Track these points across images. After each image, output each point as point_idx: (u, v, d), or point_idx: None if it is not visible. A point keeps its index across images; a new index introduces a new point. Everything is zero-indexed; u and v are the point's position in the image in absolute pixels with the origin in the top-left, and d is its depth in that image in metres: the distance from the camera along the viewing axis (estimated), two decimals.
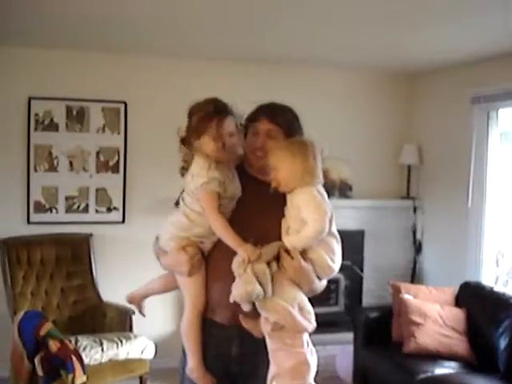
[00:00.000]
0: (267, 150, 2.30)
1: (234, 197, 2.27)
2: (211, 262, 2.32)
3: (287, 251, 2.20)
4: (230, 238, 2.19)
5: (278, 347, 2.20)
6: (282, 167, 2.22)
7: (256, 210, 2.28)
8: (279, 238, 2.25)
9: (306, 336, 2.22)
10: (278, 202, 2.29)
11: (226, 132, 2.21)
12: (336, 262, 2.29)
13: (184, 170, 2.31)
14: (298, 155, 2.24)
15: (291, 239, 2.21)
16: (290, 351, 2.18)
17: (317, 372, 2.24)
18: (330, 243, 2.27)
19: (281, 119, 2.35)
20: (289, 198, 2.26)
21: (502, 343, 4.11)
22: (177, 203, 2.39)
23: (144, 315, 2.69)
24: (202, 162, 2.23)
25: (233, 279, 2.18)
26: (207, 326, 2.31)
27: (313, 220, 2.18)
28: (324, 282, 2.34)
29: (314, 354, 2.27)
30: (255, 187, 2.35)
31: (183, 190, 2.33)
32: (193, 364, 2.30)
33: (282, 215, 2.28)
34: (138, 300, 2.63)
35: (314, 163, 2.25)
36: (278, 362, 2.20)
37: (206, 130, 2.20)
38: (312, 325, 2.21)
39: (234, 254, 2.20)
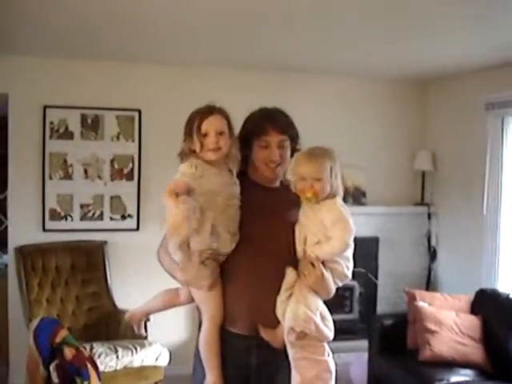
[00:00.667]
0: (281, 162, 2.33)
1: (211, 192, 2.20)
2: (227, 272, 2.30)
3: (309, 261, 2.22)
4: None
5: (301, 356, 2.21)
6: (325, 178, 2.21)
7: (262, 214, 2.29)
8: (286, 243, 2.27)
9: (326, 345, 2.24)
10: (284, 206, 2.31)
11: (210, 130, 2.23)
12: (350, 269, 2.32)
13: None
14: (337, 164, 2.25)
15: (316, 250, 2.21)
16: (312, 360, 2.20)
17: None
18: (347, 251, 2.29)
19: (287, 127, 2.38)
20: (311, 208, 2.25)
21: None
22: None
23: (143, 335, 2.68)
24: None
25: (251, 290, 2.23)
26: (226, 337, 2.30)
27: (339, 238, 2.19)
28: (338, 285, 2.35)
29: (333, 363, 2.28)
30: (260, 193, 2.37)
31: None
32: (212, 378, 2.27)
33: (290, 220, 2.29)
34: (137, 319, 2.61)
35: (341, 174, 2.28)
36: (302, 371, 2.21)
37: (190, 134, 2.25)
38: (332, 333, 2.24)
39: (250, 265, 2.24)
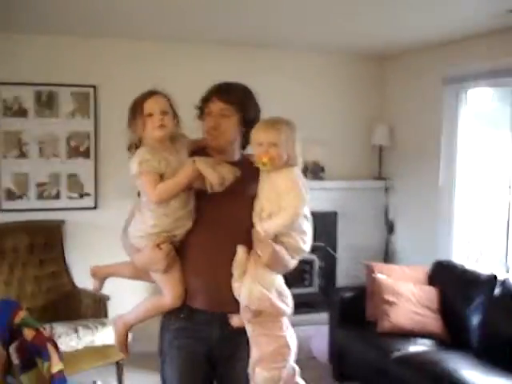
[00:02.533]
0: (221, 130, 2.33)
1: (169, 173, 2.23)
2: (184, 250, 2.32)
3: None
4: (180, 181, 2.20)
5: (258, 333, 2.23)
6: (281, 144, 2.21)
7: (229, 188, 2.26)
8: (245, 218, 2.27)
9: (285, 319, 2.26)
10: (243, 180, 2.29)
11: (154, 109, 2.24)
12: (307, 242, 2.33)
13: None
14: (295, 134, 2.26)
15: (264, 226, 2.21)
16: (270, 336, 2.22)
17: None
18: (301, 224, 2.29)
19: (232, 98, 2.36)
20: (268, 177, 2.26)
21: (475, 320, 4.18)
22: (139, 194, 2.39)
23: (100, 293, 2.65)
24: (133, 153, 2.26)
25: (208, 266, 2.25)
26: (187, 312, 2.32)
27: (291, 207, 2.19)
28: (296, 259, 2.36)
29: (294, 337, 2.30)
30: None
31: None
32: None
33: (249, 193, 2.29)
34: (101, 275, 2.55)
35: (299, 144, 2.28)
36: (260, 347, 2.23)
37: (134, 117, 2.28)
38: (290, 308, 2.26)
39: (207, 241, 2.26)
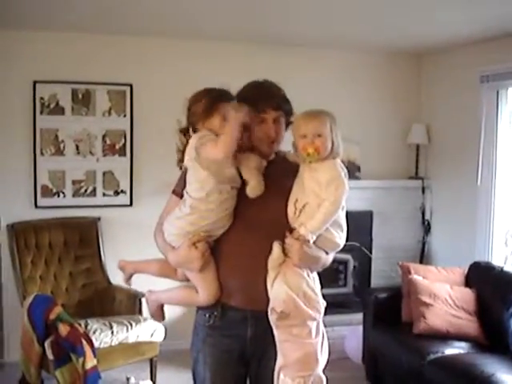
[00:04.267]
0: (277, 138, 2.32)
1: (217, 163, 2.20)
2: (222, 248, 2.31)
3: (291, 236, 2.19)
4: (231, 131, 2.14)
5: (285, 338, 2.17)
6: (326, 134, 2.18)
7: (266, 186, 2.25)
8: (282, 215, 2.23)
9: (314, 325, 2.19)
10: (280, 178, 2.28)
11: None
12: (342, 238, 2.28)
13: (181, 162, 2.30)
14: (336, 125, 2.23)
15: (307, 226, 2.15)
16: (296, 342, 2.16)
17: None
18: (338, 217, 2.24)
19: (282, 102, 2.35)
20: (309, 168, 2.21)
21: None
22: (174, 191, 2.39)
23: (130, 285, 2.65)
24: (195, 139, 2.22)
25: (246, 264, 2.22)
26: (221, 310, 2.31)
27: (333, 196, 2.14)
28: (332, 255, 2.33)
29: (326, 344, 2.24)
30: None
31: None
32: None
33: (286, 191, 2.26)
34: (128, 270, 2.55)
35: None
36: (285, 353, 2.17)
37: (217, 110, 2.21)
38: (319, 313, 2.19)
39: (244, 238, 2.24)
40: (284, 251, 2.17)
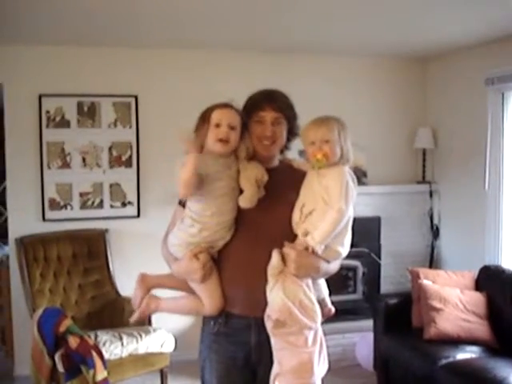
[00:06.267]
0: (275, 139, 2.32)
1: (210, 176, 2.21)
2: (225, 257, 2.33)
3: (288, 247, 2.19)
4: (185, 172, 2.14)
5: (280, 346, 2.17)
6: (334, 140, 2.19)
7: (270, 195, 2.27)
8: (285, 224, 2.25)
9: (311, 335, 2.18)
10: (284, 186, 2.30)
11: (222, 121, 2.21)
12: (345, 246, 2.27)
13: None
14: (346, 130, 2.24)
15: (314, 235, 2.15)
16: (292, 350, 2.15)
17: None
18: (347, 225, 2.25)
19: (283, 105, 2.36)
20: (317, 174, 2.22)
21: None
22: (180, 202, 2.40)
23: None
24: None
25: (248, 272, 2.23)
26: (226, 317, 2.33)
27: (338, 204, 2.13)
28: (337, 262, 2.33)
29: (325, 354, 2.23)
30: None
31: None
32: None
33: (290, 200, 2.26)
34: (147, 284, 2.47)
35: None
36: (280, 361, 2.17)
37: (202, 123, 2.24)
38: (315, 323, 2.17)
39: (247, 247, 2.25)
40: (283, 259, 2.17)
